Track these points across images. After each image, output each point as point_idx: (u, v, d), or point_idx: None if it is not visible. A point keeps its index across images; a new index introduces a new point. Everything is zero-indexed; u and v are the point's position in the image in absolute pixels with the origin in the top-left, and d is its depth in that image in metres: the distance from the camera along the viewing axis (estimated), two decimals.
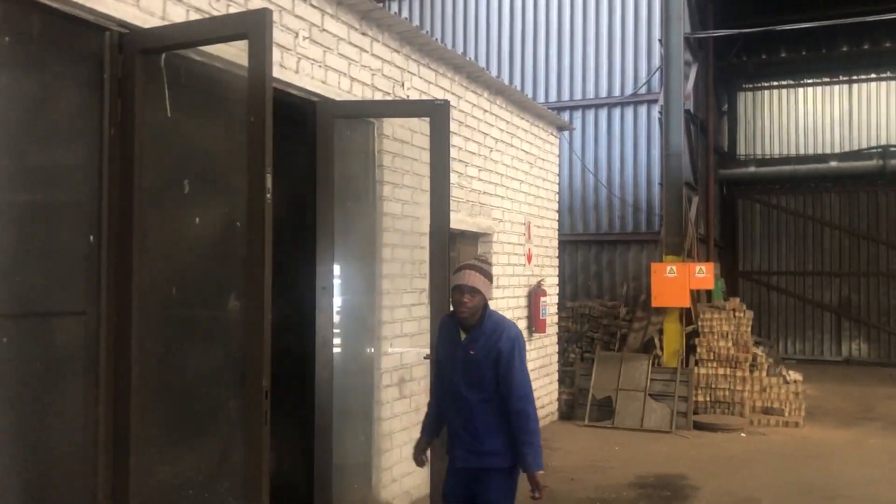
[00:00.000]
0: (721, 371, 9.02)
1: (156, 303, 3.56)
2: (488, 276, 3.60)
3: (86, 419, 3.34)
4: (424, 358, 4.61)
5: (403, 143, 5.60)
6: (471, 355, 3.52)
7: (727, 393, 8.93)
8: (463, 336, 3.58)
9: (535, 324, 8.13)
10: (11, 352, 3.06)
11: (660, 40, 10.47)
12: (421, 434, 3.87)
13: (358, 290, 5.19)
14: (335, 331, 4.81)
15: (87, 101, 3.37)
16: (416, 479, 5.53)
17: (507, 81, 8.71)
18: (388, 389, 5.42)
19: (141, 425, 3.41)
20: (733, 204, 16.47)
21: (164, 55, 3.54)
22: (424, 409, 3.94)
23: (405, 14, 12.16)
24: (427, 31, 6.33)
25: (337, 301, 4.83)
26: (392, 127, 5.48)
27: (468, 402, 3.54)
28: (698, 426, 8.46)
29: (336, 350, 4.81)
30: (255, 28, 3.19)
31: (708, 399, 8.96)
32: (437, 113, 4.67)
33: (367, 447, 5.32)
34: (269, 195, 3.15)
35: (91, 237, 3.36)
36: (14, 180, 3.13)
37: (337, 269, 4.85)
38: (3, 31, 3.03)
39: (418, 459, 3.85)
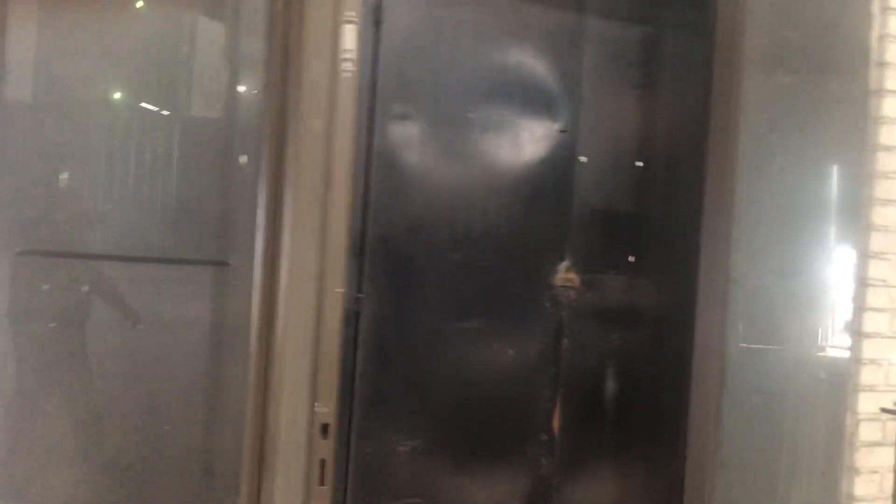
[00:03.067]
0: None
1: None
2: None
3: (230, 411, 2.39)
4: (883, 411, 2.38)
5: None
6: None
7: None
8: None
9: None
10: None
11: None
12: None
13: (792, 291, 3.03)
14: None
15: None
16: None
17: None
18: (871, 451, 3.14)
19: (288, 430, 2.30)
20: None
21: None
22: None
23: None
24: None
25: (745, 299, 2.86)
26: None
27: None
28: None
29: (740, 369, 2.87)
30: None
31: None
32: None
33: None
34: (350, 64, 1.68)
35: (242, 158, 2.37)
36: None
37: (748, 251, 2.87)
38: None
39: None
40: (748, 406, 2.85)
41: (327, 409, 1.73)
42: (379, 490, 2.74)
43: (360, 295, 2.68)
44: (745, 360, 2.85)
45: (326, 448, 1.73)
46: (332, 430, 1.74)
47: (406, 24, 2.72)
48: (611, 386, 3.05)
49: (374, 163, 2.70)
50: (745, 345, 2.83)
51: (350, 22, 1.88)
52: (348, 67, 1.75)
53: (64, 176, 2.18)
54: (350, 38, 1.76)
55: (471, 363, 2.85)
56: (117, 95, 2.39)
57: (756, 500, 3.01)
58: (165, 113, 2.39)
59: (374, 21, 2.64)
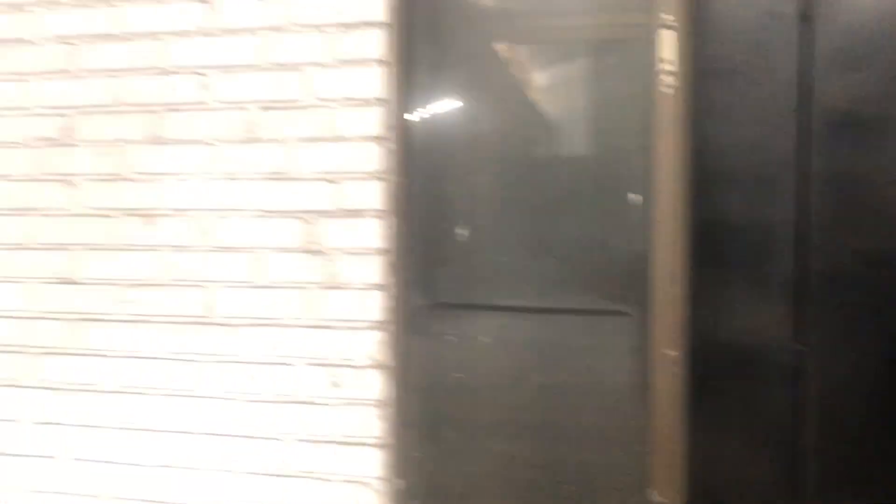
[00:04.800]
0: None
1: None
2: None
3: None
4: None
5: None
6: None
7: None
8: None
9: None
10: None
11: None
12: None
13: None
14: None
15: None
16: None
17: None
18: None
19: None
20: None
21: None
22: None
23: None
24: None
25: None
26: None
27: None
28: None
29: None
30: None
31: None
32: None
33: None
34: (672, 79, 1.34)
35: (632, 196, 2.10)
36: None
37: None
38: None
39: None
40: None
41: (665, 501, 1.36)
42: None
43: (801, 347, 2.19)
44: None
45: None
46: None
47: (849, 18, 2.19)
48: None
49: (812, 183, 2.21)
50: None
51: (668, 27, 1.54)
52: (668, 81, 1.41)
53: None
54: (669, 46, 1.42)
55: None
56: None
57: None
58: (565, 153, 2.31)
59: (801, 15, 2.19)
